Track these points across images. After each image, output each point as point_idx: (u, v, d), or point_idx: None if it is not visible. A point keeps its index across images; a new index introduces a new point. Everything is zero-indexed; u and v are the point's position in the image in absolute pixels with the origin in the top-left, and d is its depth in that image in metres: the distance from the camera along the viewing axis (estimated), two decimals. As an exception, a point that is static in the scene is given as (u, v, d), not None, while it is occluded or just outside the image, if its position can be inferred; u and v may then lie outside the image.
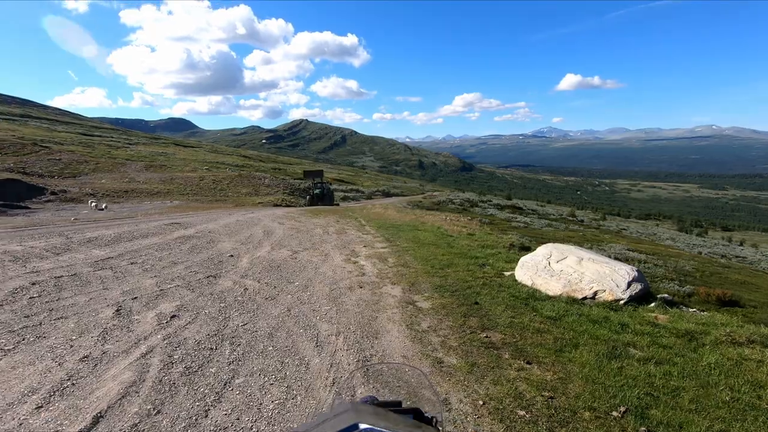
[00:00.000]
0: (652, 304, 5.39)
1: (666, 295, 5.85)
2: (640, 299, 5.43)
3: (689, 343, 4.12)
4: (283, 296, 5.45)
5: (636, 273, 5.67)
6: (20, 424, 2.60)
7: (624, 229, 29.22)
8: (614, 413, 2.89)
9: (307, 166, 63.12)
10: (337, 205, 27.62)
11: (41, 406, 2.79)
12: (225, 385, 3.16)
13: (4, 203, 15.91)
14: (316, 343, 4.00)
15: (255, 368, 3.44)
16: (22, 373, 3.22)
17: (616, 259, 8.42)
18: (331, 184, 34.07)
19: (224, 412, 2.82)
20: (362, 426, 0.61)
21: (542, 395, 3.11)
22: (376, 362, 3.66)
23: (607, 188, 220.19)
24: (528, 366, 3.59)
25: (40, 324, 4.15)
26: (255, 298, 5.31)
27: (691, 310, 5.67)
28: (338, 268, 7.12)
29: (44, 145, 30.21)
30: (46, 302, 4.77)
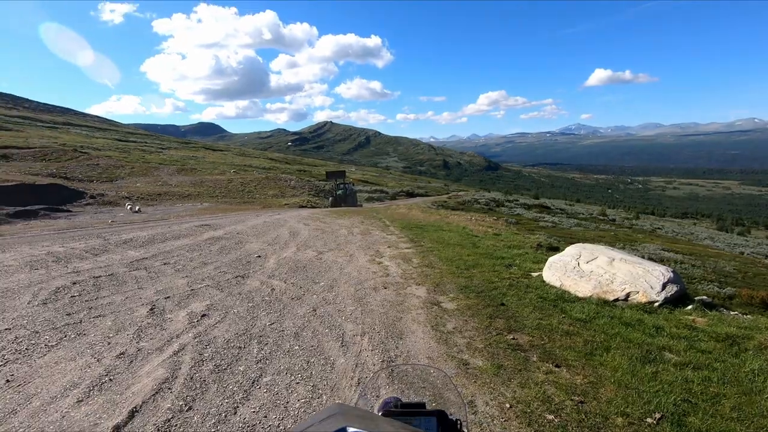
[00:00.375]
0: (690, 307, 5.16)
1: (704, 297, 5.59)
2: (675, 301, 5.21)
3: (730, 348, 3.92)
4: (308, 296, 5.52)
5: (671, 274, 5.44)
6: (63, 417, 2.73)
7: (658, 228, 28.09)
8: (649, 420, 2.78)
9: (332, 167, 63.76)
10: (360, 206, 27.25)
11: (81, 400, 2.93)
12: (253, 383, 3.23)
13: (48, 207, 16.79)
14: (342, 342, 4.03)
15: (282, 367, 3.50)
16: (64, 368, 3.39)
17: (650, 259, 8.11)
18: (354, 184, 33.49)
19: (252, 410, 2.88)
20: (350, 430, 0.60)
21: (572, 399, 3.02)
22: (401, 363, 3.66)
23: (640, 186, 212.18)
24: (557, 369, 3.50)
25: (81, 322, 4.36)
26: (281, 298, 5.40)
27: (732, 313, 5.38)
28: (363, 268, 7.15)
29: (84, 151, 31.74)
30: (86, 301, 5.00)
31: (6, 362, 3.45)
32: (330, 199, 27.12)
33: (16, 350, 3.66)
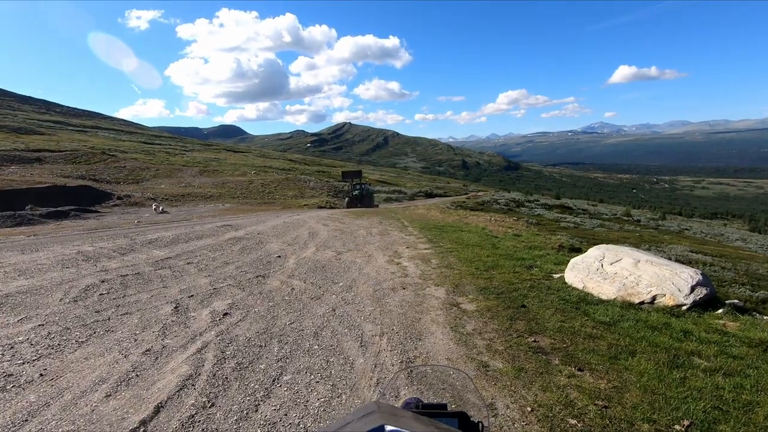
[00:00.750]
0: (720, 311, 4.97)
1: (736, 301, 5.38)
2: (705, 305, 5.02)
3: (764, 354, 3.76)
4: (328, 296, 5.56)
5: (700, 276, 5.25)
6: (92, 411, 2.83)
7: (686, 229, 27.18)
8: (677, 427, 2.69)
9: (350, 167, 64.05)
10: (377, 206, 26.73)
11: (110, 395, 3.03)
12: (273, 381, 3.28)
13: (78, 207, 17.42)
14: (361, 343, 4.05)
15: (302, 366, 3.54)
16: (93, 363, 3.51)
17: (677, 261, 7.85)
18: (370, 184, 32.70)
19: (273, 408, 2.92)
20: (388, 428, 0.60)
21: (595, 404, 2.95)
22: (419, 364, 3.64)
23: (666, 186, 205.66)
24: (579, 373, 3.42)
25: (109, 319, 4.51)
26: (301, 298, 5.46)
27: (766, 317, 5.17)
28: (381, 269, 7.16)
29: (111, 153, 32.81)
30: (114, 299, 5.17)
31: (40, 356, 3.59)
32: (346, 199, 26.47)
33: (48, 345, 3.82)
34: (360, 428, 0.60)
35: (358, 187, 27.65)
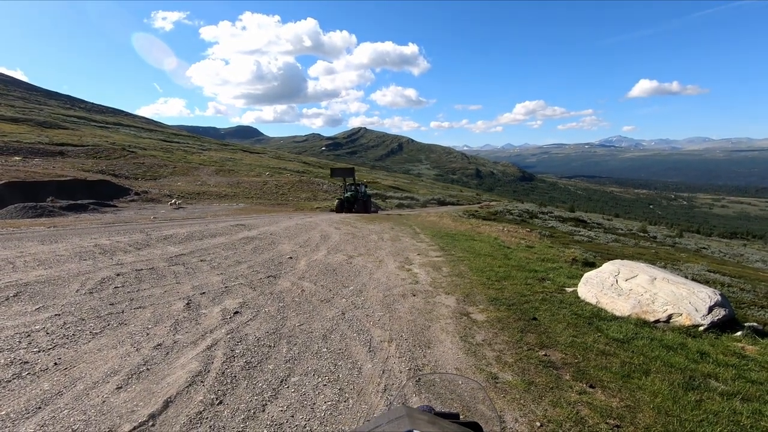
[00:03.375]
0: (738, 333, 4.83)
1: (755, 324, 5.22)
2: (723, 326, 4.88)
3: (785, 380, 3.64)
4: (337, 299, 5.57)
5: (719, 297, 5.11)
6: (103, 402, 2.87)
7: (704, 248, 26.56)
8: (691, 451, 2.61)
9: (365, 173, 64.20)
10: (376, 212, 23.83)
11: (121, 387, 3.07)
12: (281, 382, 3.28)
13: (97, 201, 17.80)
14: (369, 348, 4.04)
15: (309, 368, 3.54)
16: (106, 355, 3.57)
17: (694, 280, 7.67)
18: (367, 185, 27.54)
19: (280, 409, 2.92)
20: None
21: (607, 423, 2.89)
22: (428, 372, 3.61)
23: (684, 203, 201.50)
24: (591, 390, 3.36)
25: (122, 312, 4.58)
26: (311, 300, 5.47)
27: (787, 342, 5.00)
28: (392, 274, 7.15)
29: (131, 150, 33.52)
30: (128, 292, 5.26)
31: (55, 346, 3.66)
32: (336, 202, 22.46)
33: (64, 335, 3.89)
34: (390, 430, 0.61)
35: (351, 188, 23.61)
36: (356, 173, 27.29)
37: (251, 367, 3.50)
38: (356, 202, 22.26)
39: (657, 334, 4.60)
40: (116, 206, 18.33)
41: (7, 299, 4.72)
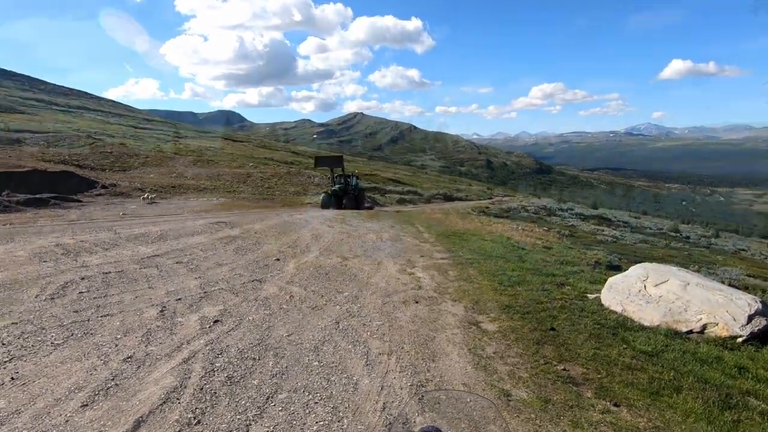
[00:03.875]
0: (782, 345, 4.86)
1: (801, 335, 5.24)
2: (763, 338, 4.90)
3: (833, 399, 3.66)
4: (330, 307, 5.58)
5: (759, 305, 5.13)
6: (66, 421, 2.88)
7: (743, 249, 26.64)
8: (727, 477, 2.63)
9: (362, 164, 64.13)
10: (371, 208, 23.60)
11: (87, 405, 3.07)
12: (267, 399, 3.29)
13: (59, 196, 17.77)
14: (366, 361, 4.05)
15: (299, 384, 3.55)
16: (69, 368, 3.57)
17: (731, 285, 7.69)
18: (359, 177, 26.53)
19: (266, 429, 2.93)
20: None
21: (633, 446, 2.90)
22: (433, 389, 3.62)
23: (722, 198, 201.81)
24: (615, 408, 3.37)
25: (88, 320, 4.58)
26: (301, 307, 5.48)
27: (835, 356, 5.03)
28: (392, 279, 7.16)
29: (97, 137, 33.45)
30: (94, 298, 5.26)
31: (12, 358, 3.67)
32: (321, 196, 21.44)
33: (21, 346, 3.89)
34: None
35: (339, 179, 22.83)
36: (353, 165, 27.18)
37: (233, 382, 3.51)
38: (346, 197, 21.57)
39: (690, 346, 4.62)
40: (81, 201, 18.29)
41: (-43, 306, 4.71)
